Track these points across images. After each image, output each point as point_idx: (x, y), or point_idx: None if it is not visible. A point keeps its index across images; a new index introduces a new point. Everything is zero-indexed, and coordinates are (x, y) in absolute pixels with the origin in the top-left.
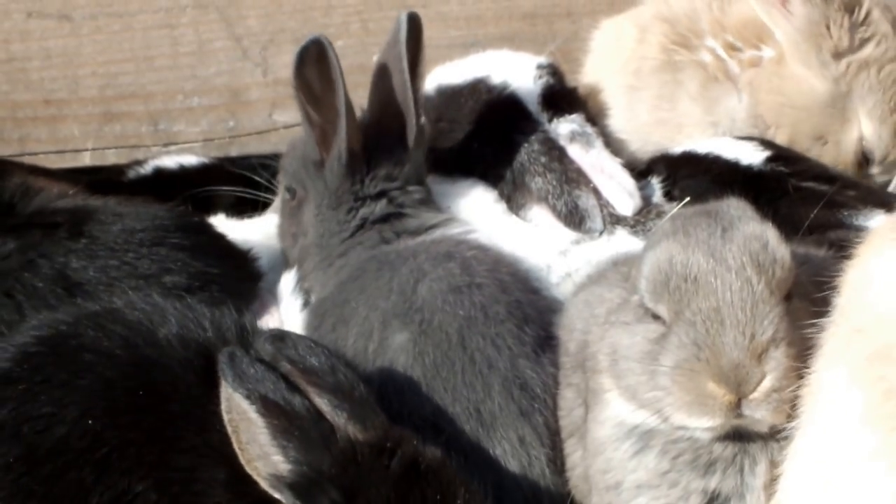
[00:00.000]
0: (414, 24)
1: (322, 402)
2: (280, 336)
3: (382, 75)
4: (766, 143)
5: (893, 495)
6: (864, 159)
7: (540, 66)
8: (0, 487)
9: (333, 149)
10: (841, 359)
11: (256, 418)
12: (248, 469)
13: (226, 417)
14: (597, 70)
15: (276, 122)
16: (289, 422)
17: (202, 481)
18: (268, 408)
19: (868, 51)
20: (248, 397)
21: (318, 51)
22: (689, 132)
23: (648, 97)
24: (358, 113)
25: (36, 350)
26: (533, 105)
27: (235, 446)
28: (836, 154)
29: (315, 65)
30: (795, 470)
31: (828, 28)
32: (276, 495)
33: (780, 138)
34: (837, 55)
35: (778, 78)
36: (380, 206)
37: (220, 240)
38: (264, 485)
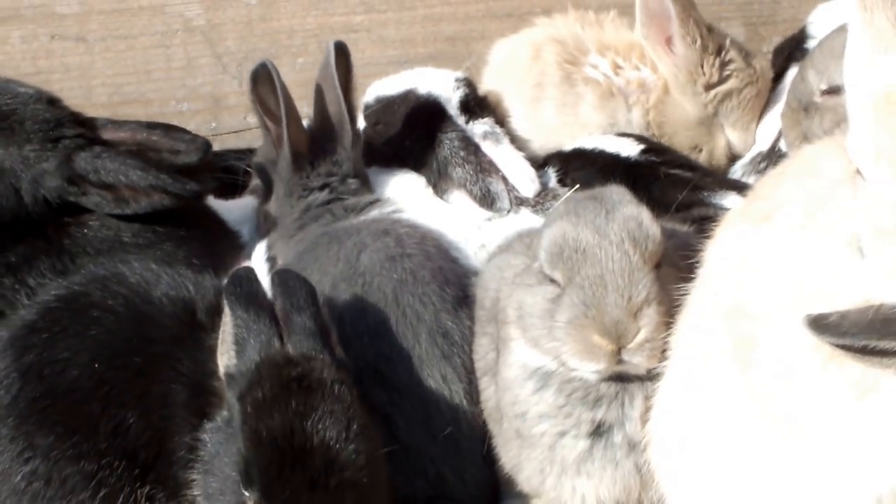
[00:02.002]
0: (341, 50)
1: (281, 318)
2: (282, 270)
3: (320, 93)
4: (640, 139)
5: (754, 417)
6: (733, 159)
7: (458, 79)
8: (30, 415)
9: (282, 151)
10: (703, 315)
11: (229, 321)
12: (218, 360)
13: (223, 321)
14: (495, 82)
15: (249, 124)
16: (248, 330)
17: (170, 405)
18: (238, 313)
19: (730, 83)
20: (230, 304)
21: (266, 73)
22: (591, 132)
23: (552, 105)
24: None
25: (55, 306)
26: (453, 110)
27: (219, 343)
28: (709, 158)
29: (266, 83)
30: (663, 400)
31: (702, 66)
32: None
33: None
34: (708, 87)
35: (661, 103)
36: (322, 195)
37: (220, 225)
38: (221, 372)
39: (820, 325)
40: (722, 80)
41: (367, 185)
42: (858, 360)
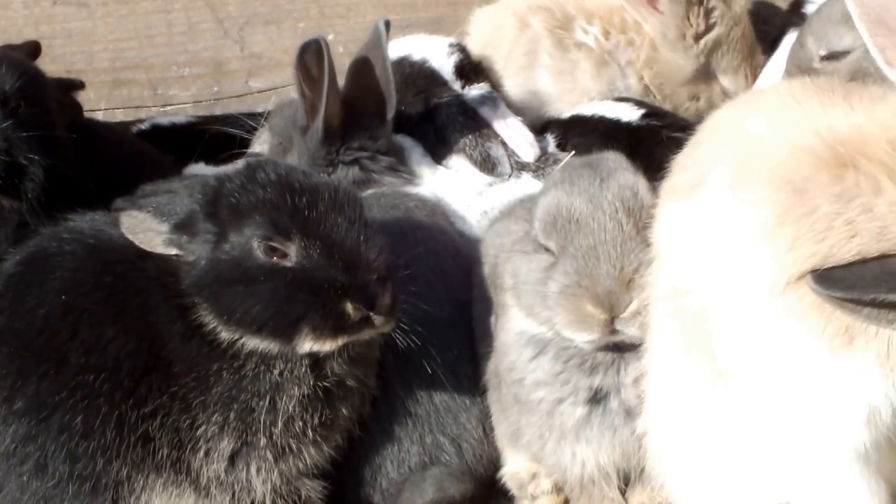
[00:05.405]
0: (388, 28)
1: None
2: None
3: (363, 66)
4: (640, 103)
5: (721, 387)
6: None
7: (451, 45)
8: (8, 374)
9: (315, 122)
10: (655, 299)
11: (143, 216)
12: (160, 252)
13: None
14: (480, 52)
15: (251, 88)
16: (162, 209)
17: (155, 310)
18: (145, 206)
19: (718, 29)
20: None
21: (317, 47)
22: (592, 98)
23: (547, 73)
24: None
25: (16, 270)
26: (448, 75)
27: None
28: (708, 106)
29: (314, 56)
30: (646, 387)
31: (688, 18)
32: (174, 250)
33: (667, 105)
34: (697, 37)
35: (653, 61)
36: (353, 172)
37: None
38: (164, 249)
39: (826, 279)
40: (709, 28)
41: (401, 161)
42: (851, 314)
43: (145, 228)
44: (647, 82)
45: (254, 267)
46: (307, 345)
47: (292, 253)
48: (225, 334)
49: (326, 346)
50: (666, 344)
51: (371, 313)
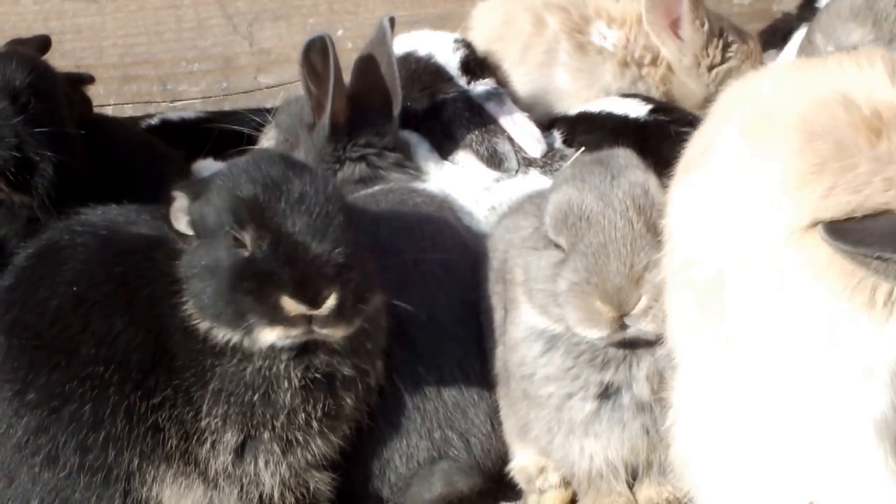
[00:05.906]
0: (393, 25)
1: None
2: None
3: (369, 63)
4: (647, 99)
5: (734, 354)
6: None
7: (456, 41)
8: (20, 367)
9: (322, 118)
10: (669, 276)
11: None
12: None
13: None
14: (485, 47)
15: (260, 83)
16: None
17: (161, 302)
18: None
19: (731, 62)
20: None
21: (322, 45)
22: (611, 95)
23: (566, 71)
24: None
25: (28, 263)
26: (454, 71)
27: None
28: None
29: (319, 53)
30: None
31: (706, 49)
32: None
33: None
34: (711, 68)
35: (668, 81)
36: (359, 168)
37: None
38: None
39: (836, 231)
40: (724, 60)
41: (408, 157)
42: (860, 265)
43: (177, 209)
44: (661, 94)
45: (218, 256)
46: (260, 336)
47: (248, 243)
48: (202, 325)
49: (263, 336)
50: (682, 321)
51: (312, 311)
